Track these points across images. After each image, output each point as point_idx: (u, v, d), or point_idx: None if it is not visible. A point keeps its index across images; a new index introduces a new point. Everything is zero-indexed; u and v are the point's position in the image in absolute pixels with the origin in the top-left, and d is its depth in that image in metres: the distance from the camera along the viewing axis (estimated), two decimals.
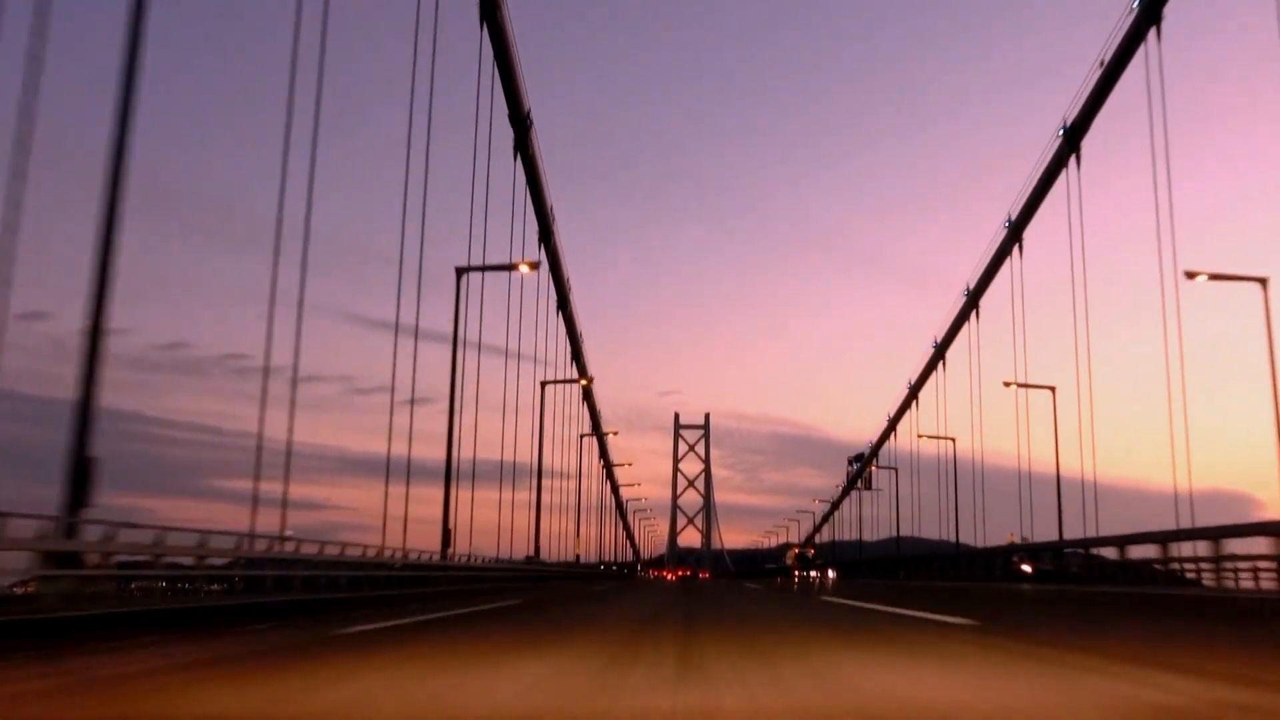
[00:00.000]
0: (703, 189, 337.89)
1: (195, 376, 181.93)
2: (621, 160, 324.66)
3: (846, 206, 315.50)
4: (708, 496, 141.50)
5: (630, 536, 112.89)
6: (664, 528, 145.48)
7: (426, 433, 25.13)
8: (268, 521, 15.65)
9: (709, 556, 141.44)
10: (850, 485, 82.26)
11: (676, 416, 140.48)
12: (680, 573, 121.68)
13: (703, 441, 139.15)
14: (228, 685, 4.83)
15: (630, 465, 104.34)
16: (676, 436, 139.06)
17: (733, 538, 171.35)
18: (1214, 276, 22.38)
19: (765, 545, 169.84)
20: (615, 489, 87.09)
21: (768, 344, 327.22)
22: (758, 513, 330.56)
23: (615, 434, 74.78)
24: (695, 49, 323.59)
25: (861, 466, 77.68)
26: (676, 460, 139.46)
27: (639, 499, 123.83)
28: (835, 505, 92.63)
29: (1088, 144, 30.96)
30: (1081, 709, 4.17)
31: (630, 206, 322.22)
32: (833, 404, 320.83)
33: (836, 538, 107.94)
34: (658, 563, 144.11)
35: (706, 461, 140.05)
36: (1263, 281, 21.69)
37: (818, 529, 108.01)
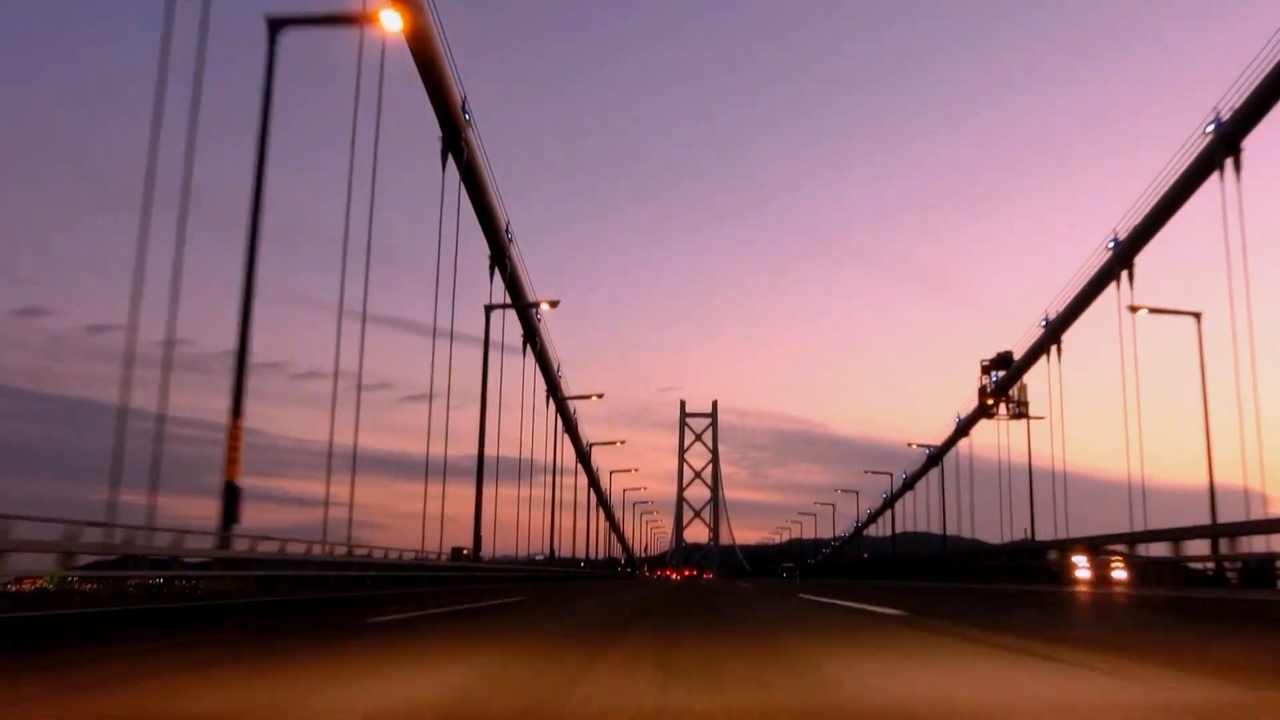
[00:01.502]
0: (707, 188, 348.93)
1: (196, 373, 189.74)
2: (625, 159, 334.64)
3: (851, 205, 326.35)
4: (715, 487, 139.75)
5: (618, 531, 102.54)
6: (669, 525, 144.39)
7: (419, 427, 28.51)
8: (282, 518, 20.16)
9: (717, 553, 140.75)
10: (993, 400, 52.36)
11: (682, 404, 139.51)
12: (686, 572, 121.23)
13: (710, 430, 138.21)
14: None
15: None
16: (682, 425, 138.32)
17: (739, 534, 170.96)
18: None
19: (774, 541, 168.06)
20: (592, 478, 77.09)
21: (769, 340, 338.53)
22: (762, 509, 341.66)
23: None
24: (716, 46, 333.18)
25: (1010, 374, 50.49)
26: (682, 450, 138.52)
27: (645, 500, 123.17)
28: (955, 438, 61.32)
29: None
30: None
31: (632, 204, 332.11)
32: (834, 400, 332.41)
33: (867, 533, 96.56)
34: (659, 561, 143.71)
35: (714, 450, 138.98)
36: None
37: (896, 497, 78.45)
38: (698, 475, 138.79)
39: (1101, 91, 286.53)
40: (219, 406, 17.03)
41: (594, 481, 77.38)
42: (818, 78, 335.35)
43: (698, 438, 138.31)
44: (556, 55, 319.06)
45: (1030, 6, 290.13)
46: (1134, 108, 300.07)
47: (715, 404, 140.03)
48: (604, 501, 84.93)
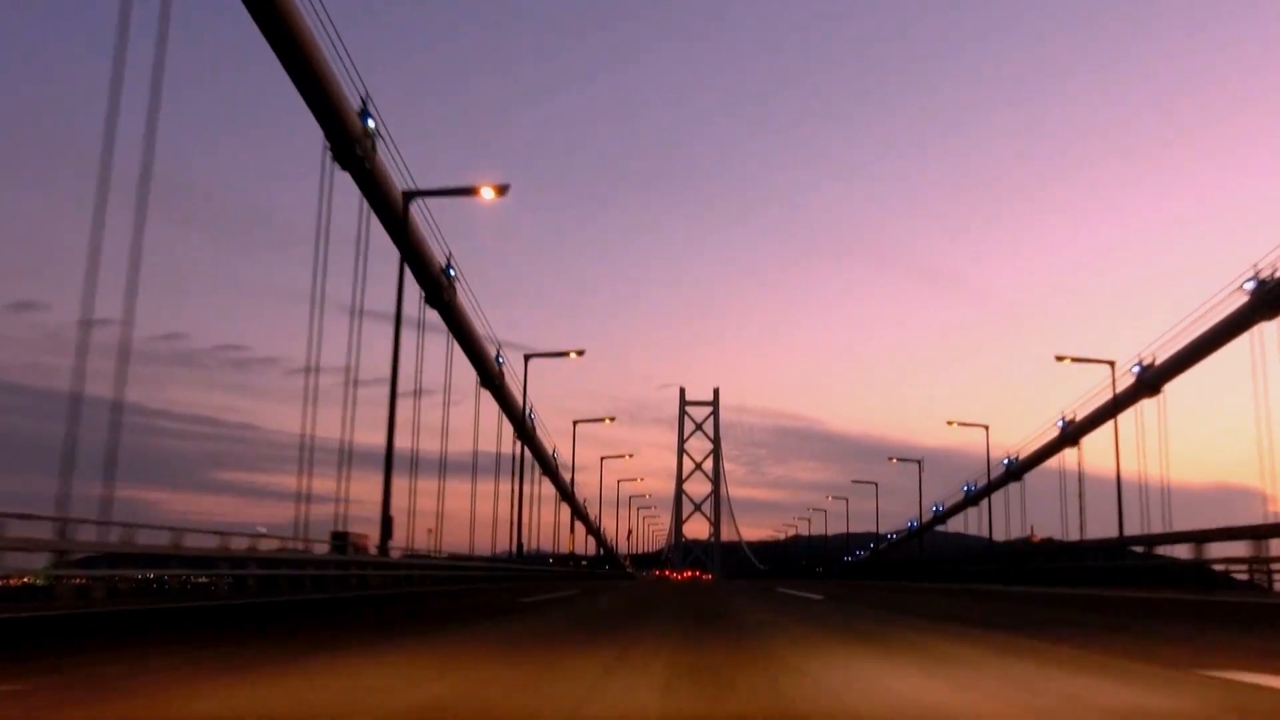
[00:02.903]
0: (709, 186, 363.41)
1: (191, 368, 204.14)
2: (629, 157, 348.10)
3: (852, 202, 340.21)
4: (716, 479, 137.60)
5: (586, 522, 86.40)
6: (668, 521, 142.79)
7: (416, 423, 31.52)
8: (266, 514, 24.88)
9: (718, 550, 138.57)
10: None
11: (682, 392, 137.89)
12: (688, 573, 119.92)
13: (710, 420, 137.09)
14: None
15: (631, 456, 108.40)
16: (682, 414, 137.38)
17: (740, 531, 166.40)
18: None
19: (779, 538, 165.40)
20: (550, 467, 63.46)
21: (770, 337, 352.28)
22: (762, 506, 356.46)
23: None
24: (721, 43, 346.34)
25: None
26: (682, 440, 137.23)
27: (649, 506, 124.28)
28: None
29: None
30: None
31: (634, 200, 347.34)
32: (836, 398, 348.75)
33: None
34: (657, 560, 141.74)
35: (716, 440, 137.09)
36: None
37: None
38: (698, 467, 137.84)
39: (1114, 95, 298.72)
40: (215, 402, 21.86)
41: (553, 475, 65.38)
42: (821, 78, 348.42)
43: (698, 427, 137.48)
44: (564, 52, 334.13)
45: (1040, 11, 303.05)
46: (1147, 113, 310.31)
47: (716, 391, 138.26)
48: (564, 489, 70.95)
